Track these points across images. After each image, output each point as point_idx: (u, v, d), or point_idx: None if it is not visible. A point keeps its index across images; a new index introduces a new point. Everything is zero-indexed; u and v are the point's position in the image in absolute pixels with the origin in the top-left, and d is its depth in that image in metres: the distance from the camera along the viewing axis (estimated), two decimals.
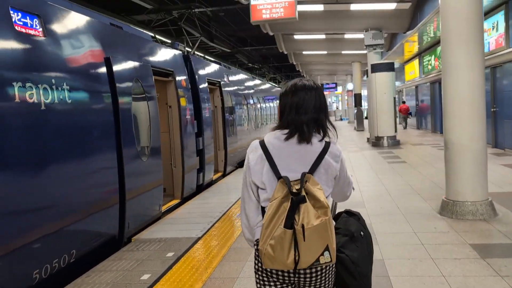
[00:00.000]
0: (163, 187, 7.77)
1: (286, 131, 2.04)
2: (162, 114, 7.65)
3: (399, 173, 9.17)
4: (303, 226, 1.80)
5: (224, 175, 10.80)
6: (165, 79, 7.48)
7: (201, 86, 8.99)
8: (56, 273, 4.12)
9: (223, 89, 10.90)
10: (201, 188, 8.86)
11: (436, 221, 5.41)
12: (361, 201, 6.78)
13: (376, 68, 15.14)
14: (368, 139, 17.38)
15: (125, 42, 6.10)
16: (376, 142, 15.46)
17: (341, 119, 46.19)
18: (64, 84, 4.35)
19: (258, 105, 17.84)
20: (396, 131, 15.53)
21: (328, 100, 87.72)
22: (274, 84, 27.33)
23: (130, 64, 5.88)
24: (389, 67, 15.17)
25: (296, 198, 1.85)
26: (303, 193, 1.86)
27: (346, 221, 2.28)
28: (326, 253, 1.85)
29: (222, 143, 10.76)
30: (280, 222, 1.84)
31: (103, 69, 5.22)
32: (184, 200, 7.81)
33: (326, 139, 2.06)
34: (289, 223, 1.81)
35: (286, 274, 1.96)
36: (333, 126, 2.12)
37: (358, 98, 27.18)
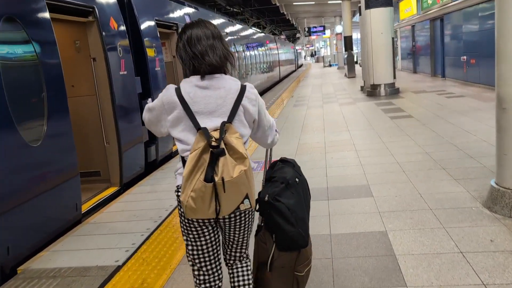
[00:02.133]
0: (98, 171, 5.82)
1: (198, 77, 1.97)
2: (85, 70, 5.52)
3: (408, 134, 7.18)
4: (223, 179, 1.77)
5: None
6: (81, 19, 5.24)
7: (145, 30, 6.73)
8: None
9: None
10: (154, 164, 6.83)
11: (488, 225, 3.46)
12: (365, 183, 4.82)
13: (371, 3, 12.81)
14: (362, 87, 15.29)
15: None
16: (372, 91, 13.38)
17: (330, 65, 43.71)
18: None
19: (241, 54, 15.62)
20: (395, 77, 13.43)
21: (316, 45, 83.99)
22: (257, 30, 24.80)
23: None
24: (387, 1, 12.82)
25: (216, 151, 1.80)
26: (222, 145, 1.81)
27: (281, 170, 2.29)
28: (246, 200, 1.86)
29: None
30: (200, 174, 1.80)
31: None
32: (125, 186, 5.80)
33: (231, 68, 2.03)
34: (209, 176, 1.78)
35: (207, 221, 2.01)
36: (232, 54, 2.05)
37: (348, 41, 24.81)
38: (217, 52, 1.95)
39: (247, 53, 17.10)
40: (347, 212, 4.01)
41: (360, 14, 15.41)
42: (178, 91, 1.94)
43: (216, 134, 1.84)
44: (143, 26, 6.64)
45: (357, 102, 12.34)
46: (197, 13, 10.44)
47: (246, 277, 2.20)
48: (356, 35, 34.69)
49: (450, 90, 12.69)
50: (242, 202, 1.85)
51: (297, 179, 2.27)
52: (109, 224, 4.40)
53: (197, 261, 2.11)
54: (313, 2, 27.63)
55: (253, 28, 22.59)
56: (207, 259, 2.11)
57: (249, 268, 2.25)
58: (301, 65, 57.54)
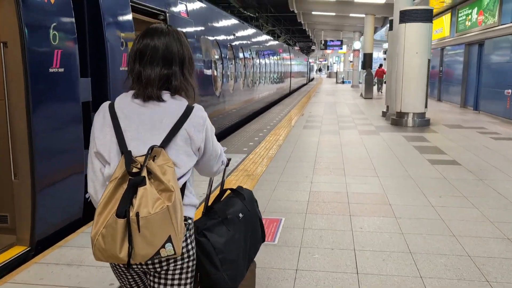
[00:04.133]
0: (5, 216, 3.84)
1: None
2: None
3: (464, 194, 5.13)
4: (137, 215, 1.43)
5: None
6: None
7: (111, 13, 4.73)
8: None
9: (179, 27, 6.63)
10: None
11: None
12: None
13: (407, 16, 10.81)
14: (384, 113, 13.26)
15: None
16: (397, 119, 11.34)
17: (343, 82, 41.71)
18: None
19: (249, 61, 13.73)
20: (426, 106, 11.39)
21: (329, 60, 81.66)
22: (270, 37, 22.89)
23: None
24: (426, 15, 10.81)
25: (133, 179, 1.47)
26: (144, 173, 1.49)
27: (227, 201, 2.10)
28: (168, 245, 1.48)
29: None
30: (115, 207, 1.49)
31: None
32: (43, 244, 3.77)
33: (187, 101, 1.69)
34: (123, 211, 1.44)
35: (123, 268, 1.68)
36: (192, 87, 1.73)
37: (368, 59, 22.84)
38: (172, 84, 1.66)
39: (257, 60, 15.16)
40: None
41: (390, 29, 13.45)
42: (111, 105, 1.66)
43: (143, 160, 1.53)
44: (107, 7, 4.64)
45: (381, 131, 10.29)
46: (200, 7, 8.51)
47: None
48: (375, 54, 32.77)
49: (492, 129, 10.63)
50: (163, 247, 1.47)
51: (241, 214, 2.00)
52: None
53: None
54: (334, 14, 25.70)
55: (266, 35, 20.67)
56: None
57: None
58: (313, 79, 55.69)
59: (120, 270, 1.69)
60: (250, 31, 15.07)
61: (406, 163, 6.80)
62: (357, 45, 31.70)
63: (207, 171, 1.85)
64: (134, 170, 1.49)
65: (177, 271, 1.64)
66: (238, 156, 7.29)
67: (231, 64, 11.28)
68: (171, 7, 6.57)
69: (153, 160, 1.52)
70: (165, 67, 1.65)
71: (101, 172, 1.63)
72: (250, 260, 2.11)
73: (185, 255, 1.64)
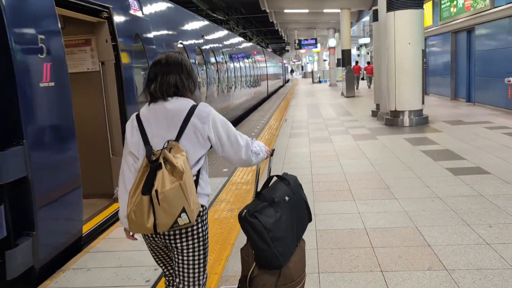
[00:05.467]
0: None
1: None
2: None
3: None
4: (156, 191, 1.84)
5: None
6: None
7: (18, 8, 3.32)
8: None
9: (131, 27, 5.26)
10: (27, 281, 3.34)
11: None
12: None
13: (396, 2, 9.63)
14: (374, 112, 12.08)
15: None
16: (392, 119, 10.14)
17: (320, 81, 40.68)
18: None
19: (223, 66, 12.40)
20: (423, 102, 10.22)
21: (303, 60, 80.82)
22: (243, 39, 21.52)
23: None
24: (417, 1, 9.67)
25: (152, 165, 1.88)
26: (161, 160, 1.88)
27: (274, 186, 2.30)
28: (183, 214, 1.86)
29: (120, 138, 5.16)
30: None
31: None
32: None
33: (192, 101, 2.05)
34: (145, 190, 1.86)
35: (151, 237, 2.06)
36: (188, 85, 2.06)
37: (347, 56, 21.72)
38: (166, 82, 2.02)
39: (231, 64, 13.83)
40: None
41: (375, 19, 12.31)
42: (137, 114, 2.07)
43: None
44: (13, 2, 3.23)
45: (377, 134, 9.06)
46: (159, 5, 7.15)
47: None
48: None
49: (498, 122, 9.52)
50: (180, 216, 1.85)
51: (287, 197, 2.23)
52: None
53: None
54: (307, 11, 24.58)
55: (239, 36, 19.35)
56: (169, 268, 2.23)
57: None
58: (288, 81, 54.67)
59: (152, 241, 2.07)
60: (222, 33, 13.73)
61: (424, 177, 5.53)
62: (332, 42, 30.65)
63: (237, 160, 2.10)
64: (153, 158, 1.89)
65: (190, 248, 2.00)
66: (216, 181, 5.94)
67: (202, 69, 9.92)
68: (117, 3, 5.18)
69: (169, 151, 1.90)
70: (164, 67, 2.03)
71: (134, 167, 2.05)
72: (299, 238, 2.32)
73: (199, 234, 2.01)
